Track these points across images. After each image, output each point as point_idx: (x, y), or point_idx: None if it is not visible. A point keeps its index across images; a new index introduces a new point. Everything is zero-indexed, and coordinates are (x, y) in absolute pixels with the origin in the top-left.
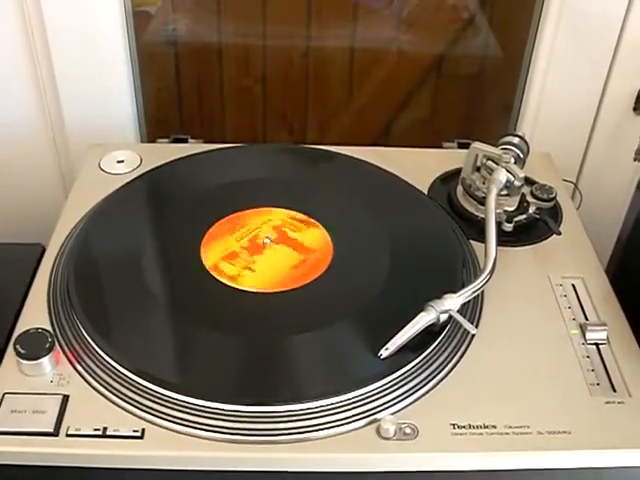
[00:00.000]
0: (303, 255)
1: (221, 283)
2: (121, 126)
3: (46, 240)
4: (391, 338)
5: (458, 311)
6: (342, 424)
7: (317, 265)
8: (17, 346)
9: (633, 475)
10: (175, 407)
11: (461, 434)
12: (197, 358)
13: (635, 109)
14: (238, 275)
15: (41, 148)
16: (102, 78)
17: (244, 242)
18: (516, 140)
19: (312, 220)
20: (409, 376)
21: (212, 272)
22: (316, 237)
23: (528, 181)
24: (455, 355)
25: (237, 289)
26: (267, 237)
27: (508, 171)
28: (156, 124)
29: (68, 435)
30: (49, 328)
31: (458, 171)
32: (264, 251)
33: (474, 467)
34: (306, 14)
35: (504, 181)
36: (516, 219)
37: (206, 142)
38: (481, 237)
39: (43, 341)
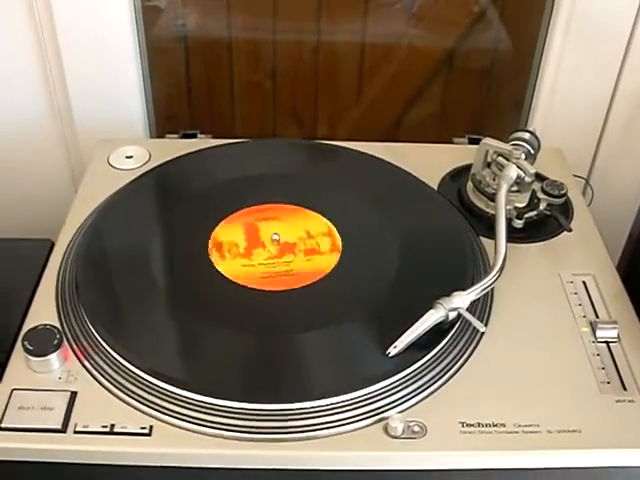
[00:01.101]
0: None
1: (229, 280)
2: (130, 121)
3: (55, 236)
4: (400, 336)
5: (467, 309)
6: (350, 422)
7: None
8: (25, 342)
9: None
10: (183, 404)
11: (470, 432)
12: (205, 355)
13: None
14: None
15: (50, 144)
16: (111, 73)
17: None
18: (527, 136)
19: (332, 228)
20: (417, 374)
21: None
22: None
23: (539, 177)
24: (464, 353)
25: (245, 287)
26: (275, 234)
27: (519, 167)
28: (165, 119)
29: (76, 432)
30: (57, 324)
31: (468, 167)
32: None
33: (483, 466)
34: (316, 9)
35: (514, 177)
36: (526, 215)
37: (215, 137)
38: (491, 234)
39: (51, 338)
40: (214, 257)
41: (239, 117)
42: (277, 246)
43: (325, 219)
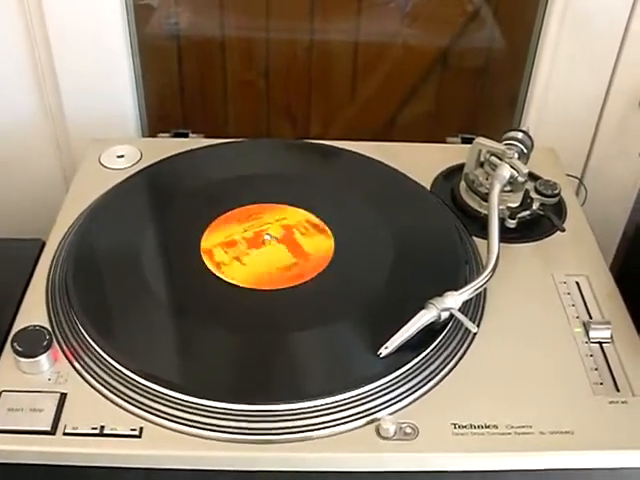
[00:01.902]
0: (297, 259)
1: (221, 280)
2: (123, 120)
3: (46, 235)
4: (391, 336)
5: (460, 309)
6: (341, 423)
7: (304, 273)
8: (15, 344)
9: (637, 476)
10: (173, 406)
11: (462, 434)
12: (196, 356)
13: None
14: (224, 264)
15: (42, 143)
16: (103, 72)
17: (248, 233)
18: (520, 135)
19: (325, 227)
20: (409, 375)
21: (203, 255)
22: (321, 245)
23: (532, 177)
24: (456, 354)
25: (237, 286)
26: (269, 234)
27: (512, 167)
28: (158, 118)
29: (65, 434)
30: (47, 325)
31: (461, 166)
32: (262, 247)
33: (475, 467)
34: (309, 7)
35: (508, 177)
36: (519, 215)
37: (207, 137)
38: (484, 233)
39: (41, 339)
40: (206, 257)
41: (232, 116)
42: (267, 245)
43: (327, 229)
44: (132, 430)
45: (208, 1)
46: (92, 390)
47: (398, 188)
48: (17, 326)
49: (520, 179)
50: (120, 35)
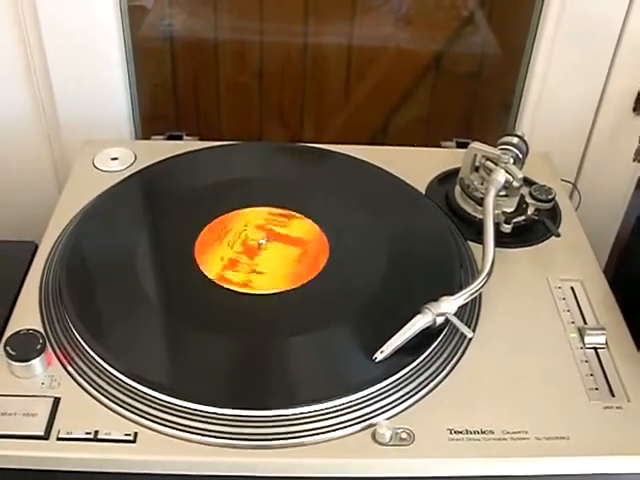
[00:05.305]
0: (300, 247)
1: (214, 284)
2: (116, 122)
3: (39, 238)
4: (387, 341)
5: (455, 314)
6: (337, 429)
7: (317, 254)
8: (7, 348)
9: None
10: (168, 411)
11: (458, 439)
12: (190, 361)
13: (635, 109)
14: (249, 280)
15: (35, 145)
16: (97, 74)
17: (237, 247)
18: (515, 140)
19: (292, 212)
20: (405, 380)
21: (220, 282)
22: (302, 227)
23: (527, 182)
24: (452, 359)
25: (230, 290)
26: (261, 237)
27: (507, 172)
28: (152, 120)
29: (59, 439)
30: (40, 329)
31: (456, 171)
32: (261, 252)
33: (471, 473)
34: (303, 10)
35: (503, 182)
36: (515, 220)
37: (201, 139)
38: (479, 238)
39: (34, 342)
40: (202, 265)
41: (225, 118)
42: (265, 249)
43: (296, 213)
44: (126, 435)
45: (202, 3)
46: (86, 395)
47: (393, 192)
48: (10, 330)
49: (515, 184)
50: (114, 36)
